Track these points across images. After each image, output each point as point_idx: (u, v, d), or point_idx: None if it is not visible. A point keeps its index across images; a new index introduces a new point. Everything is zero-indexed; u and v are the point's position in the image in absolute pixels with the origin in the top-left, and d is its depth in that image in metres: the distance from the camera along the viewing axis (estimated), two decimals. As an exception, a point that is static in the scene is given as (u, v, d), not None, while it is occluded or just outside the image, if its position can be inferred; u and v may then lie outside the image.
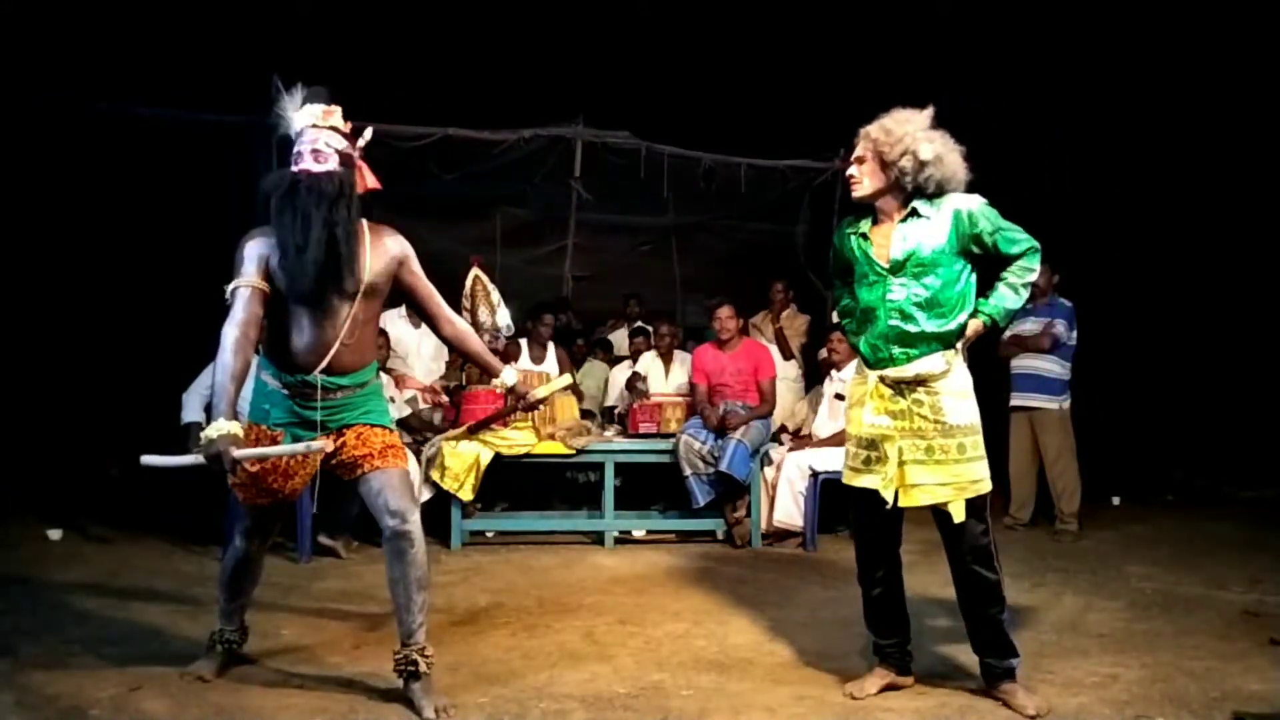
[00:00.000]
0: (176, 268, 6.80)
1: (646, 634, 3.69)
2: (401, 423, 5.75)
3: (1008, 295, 2.97)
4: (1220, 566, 4.89)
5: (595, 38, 7.61)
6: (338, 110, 2.95)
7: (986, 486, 2.96)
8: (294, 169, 2.85)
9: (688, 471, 5.47)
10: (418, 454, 5.44)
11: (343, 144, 2.91)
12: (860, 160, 3.01)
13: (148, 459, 2.75)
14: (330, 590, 4.38)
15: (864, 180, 3.00)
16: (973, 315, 2.98)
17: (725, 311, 5.84)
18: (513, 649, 3.49)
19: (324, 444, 2.81)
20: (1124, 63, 7.55)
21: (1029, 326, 6.02)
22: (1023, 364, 6.01)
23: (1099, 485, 6.58)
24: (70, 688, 2.99)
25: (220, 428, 2.68)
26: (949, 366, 2.95)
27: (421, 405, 5.97)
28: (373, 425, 3.03)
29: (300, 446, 2.80)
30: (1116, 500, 7.02)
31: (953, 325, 2.95)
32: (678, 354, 6.46)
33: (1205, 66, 7.37)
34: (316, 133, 2.88)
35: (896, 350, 2.96)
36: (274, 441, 2.93)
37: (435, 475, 5.31)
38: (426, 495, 5.40)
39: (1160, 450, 7.87)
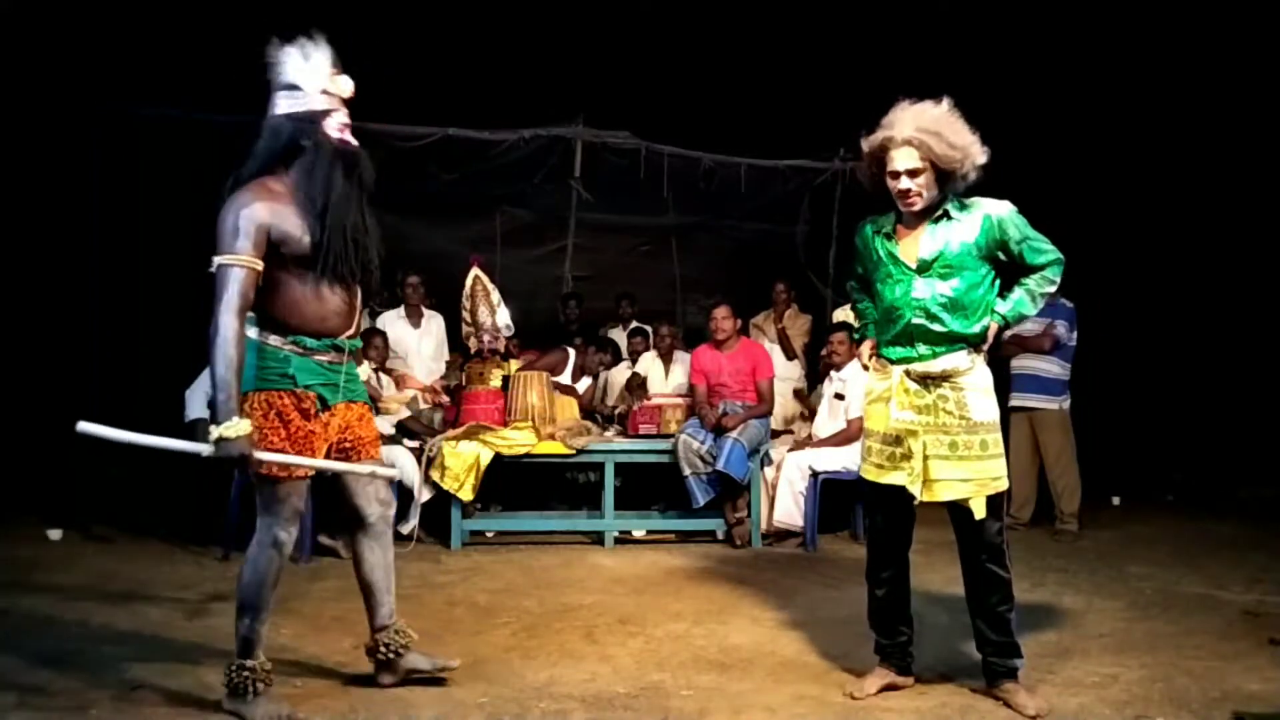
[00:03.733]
0: (177, 268, 6.80)
1: (646, 634, 3.69)
2: (401, 425, 5.74)
3: (1025, 301, 3.00)
4: (1220, 566, 4.89)
5: (595, 38, 7.61)
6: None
7: (1005, 484, 2.98)
8: (340, 138, 2.80)
9: (687, 471, 5.47)
10: (418, 454, 5.44)
11: None
12: (915, 173, 2.90)
13: (85, 426, 2.53)
14: (330, 590, 4.37)
15: (924, 194, 2.92)
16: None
17: (721, 311, 5.84)
18: (513, 649, 3.49)
19: (393, 473, 2.93)
20: (1122, 60, 7.54)
21: (1030, 327, 6.02)
22: (1023, 364, 6.01)
23: (1099, 485, 6.58)
24: (70, 688, 2.99)
25: (237, 427, 2.56)
26: (973, 364, 2.98)
27: (422, 405, 5.97)
28: (365, 404, 3.02)
29: (365, 468, 2.88)
30: (1116, 500, 7.02)
31: (976, 328, 2.97)
32: (677, 354, 6.46)
33: (1204, 64, 7.37)
34: (341, 106, 2.84)
35: (922, 348, 2.98)
36: (309, 404, 2.80)
37: (435, 475, 5.31)
38: (426, 495, 5.40)
39: (1160, 450, 7.86)
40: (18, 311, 6.55)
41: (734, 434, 5.46)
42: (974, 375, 2.98)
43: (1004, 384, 6.14)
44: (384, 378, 5.77)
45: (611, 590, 4.43)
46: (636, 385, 6.39)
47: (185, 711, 2.83)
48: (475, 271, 5.86)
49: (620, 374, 6.68)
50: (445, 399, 6.00)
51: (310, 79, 2.81)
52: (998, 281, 3.03)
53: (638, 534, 5.79)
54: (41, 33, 6.26)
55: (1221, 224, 7.97)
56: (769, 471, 5.73)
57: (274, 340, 2.77)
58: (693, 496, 5.48)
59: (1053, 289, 3.03)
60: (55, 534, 5.32)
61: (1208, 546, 5.46)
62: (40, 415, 6.56)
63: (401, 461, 5.40)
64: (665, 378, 6.38)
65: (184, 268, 6.72)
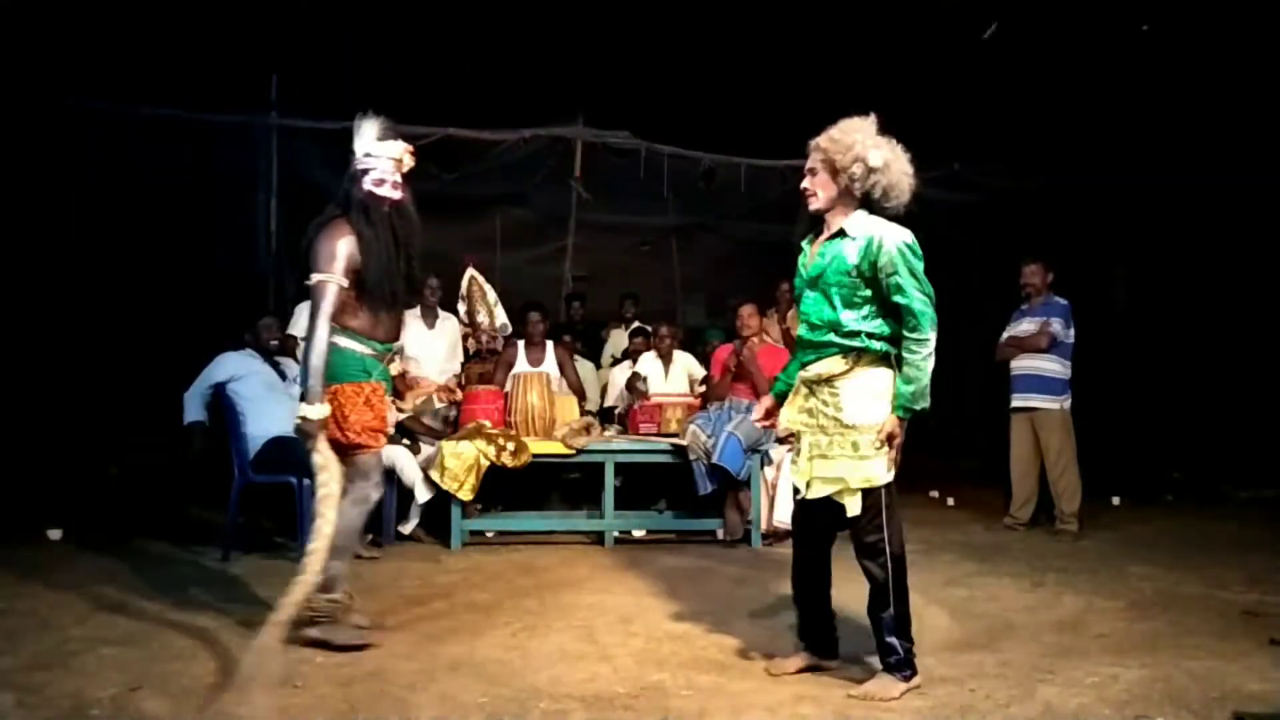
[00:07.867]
0: (178, 268, 6.81)
1: (646, 634, 3.69)
2: (401, 426, 5.73)
3: (903, 386, 2.94)
4: (1220, 566, 4.89)
5: (595, 38, 7.61)
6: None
7: (878, 482, 2.98)
8: (387, 194, 3.49)
9: (693, 457, 5.48)
10: (417, 454, 5.43)
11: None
12: (813, 172, 3.11)
13: None
14: (330, 590, 4.36)
15: (819, 192, 3.12)
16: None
17: (747, 310, 5.88)
18: (513, 649, 3.49)
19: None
20: (1120, 57, 7.54)
21: (1025, 327, 6.03)
22: (1023, 364, 6.00)
23: (1099, 485, 6.57)
24: (70, 688, 2.99)
25: (320, 411, 3.24)
26: (849, 366, 3.01)
27: (438, 404, 5.95)
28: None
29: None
30: (1116, 500, 7.02)
31: (856, 343, 3.01)
32: (677, 354, 6.45)
33: (1202, 60, 7.37)
34: (395, 166, 3.49)
35: (810, 354, 3.10)
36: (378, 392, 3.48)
37: (435, 475, 5.31)
38: (427, 495, 5.40)
39: (1160, 450, 7.86)
40: (18, 312, 6.55)
41: (730, 427, 5.46)
42: (852, 379, 3.01)
43: (1004, 385, 6.14)
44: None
45: (611, 590, 4.43)
46: (637, 385, 6.39)
47: (185, 711, 2.83)
48: (471, 272, 5.85)
49: (620, 374, 6.68)
50: (460, 396, 5.98)
51: (378, 151, 3.47)
52: (882, 305, 2.99)
53: (638, 534, 5.79)
54: (41, 33, 6.26)
55: (1220, 224, 7.97)
56: (769, 471, 5.73)
57: (353, 345, 3.44)
58: (697, 484, 5.48)
59: (925, 351, 2.92)
60: (55, 534, 5.31)
61: (1208, 546, 5.46)
62: (40, 416, 6.59)
63: (402, 462, 5.40)
64: (665, 378, 6.37)
65: (184, 268, 6.79)
